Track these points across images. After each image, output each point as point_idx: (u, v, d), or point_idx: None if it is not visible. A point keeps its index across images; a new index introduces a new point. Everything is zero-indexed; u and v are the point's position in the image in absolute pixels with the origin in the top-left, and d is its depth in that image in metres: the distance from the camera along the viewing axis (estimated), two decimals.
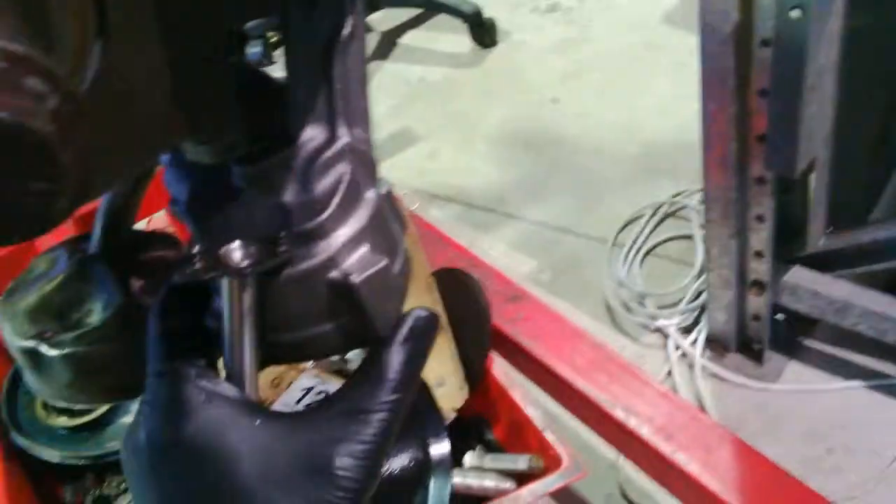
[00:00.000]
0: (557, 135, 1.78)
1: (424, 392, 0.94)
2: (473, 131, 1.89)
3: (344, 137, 0.40)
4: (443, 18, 2.28)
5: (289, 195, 0.38)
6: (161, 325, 0.38)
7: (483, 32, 2.16)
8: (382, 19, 2.42)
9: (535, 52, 2.11)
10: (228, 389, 0.35)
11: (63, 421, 1.00)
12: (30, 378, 0.51)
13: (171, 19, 0.30)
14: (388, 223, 0.43)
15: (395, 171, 1.80)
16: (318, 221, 0.38)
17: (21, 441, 0.97)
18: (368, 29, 2.42)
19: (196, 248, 0.37)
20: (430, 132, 1.94)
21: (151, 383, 0.36)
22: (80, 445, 0.99)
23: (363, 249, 0.40)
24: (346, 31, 0.39)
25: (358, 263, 0.39)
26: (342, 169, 0.39)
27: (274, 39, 0.40)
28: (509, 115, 1.90)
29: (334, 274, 0.38)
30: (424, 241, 1.13)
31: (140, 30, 0.30)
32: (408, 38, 2.36)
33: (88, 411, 1.01)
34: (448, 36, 2.27)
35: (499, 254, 1.52)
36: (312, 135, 0.39)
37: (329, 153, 0.39)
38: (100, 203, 0.54)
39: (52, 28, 0.26)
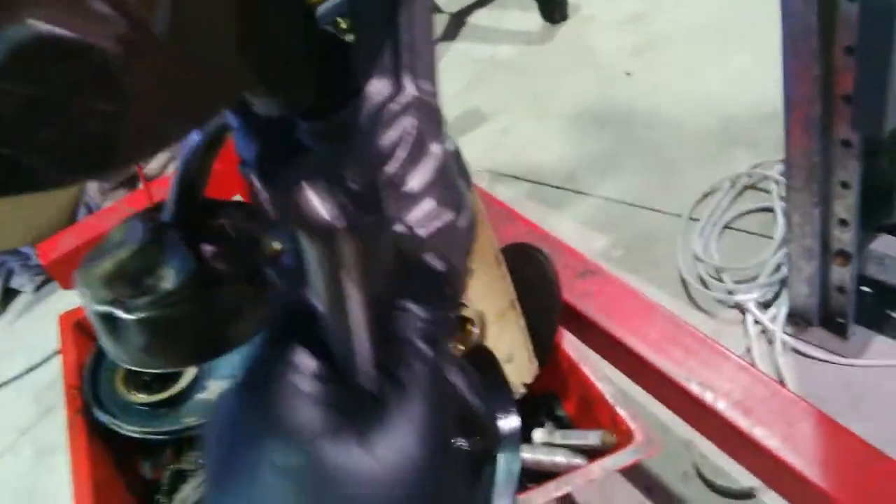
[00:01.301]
0: (631, 109, 1.74)
1: (493, 366, 0.94)
2: (545, 108, 1.87)
3: (410, 90, 0.39)
4: None
5: (355, 149, 0.38)
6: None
7: (553, 8, 2.13)
8: (451, 0, 2.41)
9: (606, 26, 2.06)
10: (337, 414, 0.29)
11: (143, 397, 1.03)
12: (106, 343, 0.52)
13: None
14: (454, 179, 0.42)
15: (466, 150, 1.77)
16: (384, 174, 0.38)
17: (103, 417, 1.00)
18: (437, 10, 2.41)
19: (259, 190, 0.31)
20: (500, 110, 1.92)
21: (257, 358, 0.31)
22: (159, 421, 1.02)
23: (429, 203, 0.39)
24: None
25: (425, 216, 0.39)
26: (408, 122, 0.39)
27: (344, 27, 0.40)
28: (581, 91, 1.86)
29: (400, 227, 0.38)
30: (494, 218, 1.12)
31: None
32: (476, 18, 2.35)
33: (166, 388, 1.04)
34: (517, 14, 2.24)
35: (570, 231, 1.49)
36: (378, 87, 0.39)
37: (395, 106, 0.39)
38: (174, 172, 0.55)
39: None
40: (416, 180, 0.39)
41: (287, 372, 0.30)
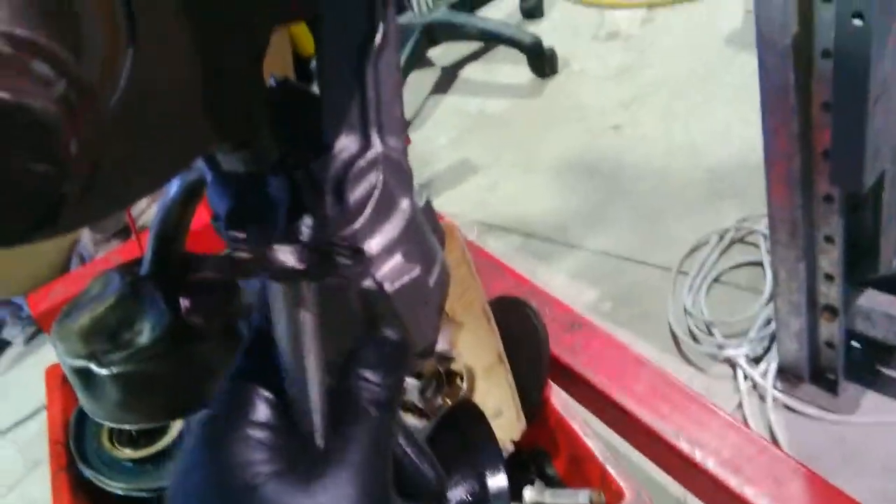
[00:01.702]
0: (619, 162, 1.76)
1: (482, 423, 0.93)
2: (534, 161, 1.89)
3: (377, 146, 0.40)
4: (503, 50, 2.29)
5: (323, 204, 0.38)
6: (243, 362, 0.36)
7: (543, 62, 2.16)
8: (443, 54, 2.45)
9: (595, 80, 2.10)
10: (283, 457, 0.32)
11: (128, 453, 1.02)
12: (82, 397, 0.52)
13: (202, 31, 0.30)
14: (425, 234, 0.42)
15: (454, 203, 1.80)
16: (352, 230, 0.38)
17: (88, 473, 0.99)
18: (429, 64, 2.45)
19: (239, 243, 0.34)
20: (489, 163, 1.94)
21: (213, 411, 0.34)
22: (143, 478, 1.01)
23: (396, 258, 0.39)
24: (377, 39, 0.39)
25: (391, 272, 0.39)
26: (375, 178, 0.39)
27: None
28: (570, 144, 1.88)
29: (367, 283, 0.38)
30: (482, 270, 1.12)
31: (170, 40, 0.30)
32: (467, 72, 2.39)
33: (152, 443, 1.03)
34: (507, 68, 2.28)
35: (559, 284, 1.49)
36: (346, 144, 0.39)
37: (362, 162, 0.39)
38: (151, 226, 0.55)
39: (81, 34, 0.27)
40: (384, 236, 0.39)
41: (242, 419, 0.32)
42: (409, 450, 0.36)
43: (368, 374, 0.34)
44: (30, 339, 1.92)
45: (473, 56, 2.43)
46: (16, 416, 1.70)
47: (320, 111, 0.40)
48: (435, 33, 2.31)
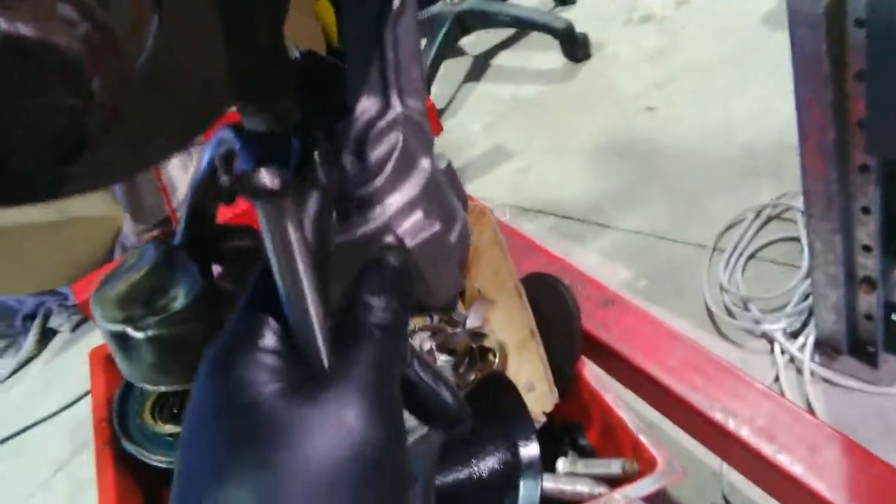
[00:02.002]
0: (653, 143, 1.75)
1: (514, 396, 0.94)
2: (567, 144, 1.88)
3: (397, 107, 0.41)
4: (535, 37, 2.29)
5: (345, 163, 0.40)
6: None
7: (575, 47, 2.15)
8: (475, 43, 2.46)
9: (629, 63, 2.08)
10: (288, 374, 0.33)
11: (169, 428, 1.05)
12: (119, 361, 0.54)
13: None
14: (445, 193, 0.43)
15: (488, 188, 1.81)
16: (373, 187, 0.39)
17: (130, 447, 1.02)
18: (462, 53, 2.46)
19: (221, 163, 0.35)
20: (523, 148, 1.94)
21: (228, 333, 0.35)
22: None
23: (417, 215, 0.40)
24: (396, 3, 0.40)
25: (411, 229, 0.40)
26: (395, 138, 0.40)
27: None
28: (603, 127, 1.87)
29: (389, 238, 0.39)
30: (515, 251, 1.12)
31: (194, 5, 0.32)
32: (500, 59, 2.39)
33: None
34: (540, 54, 2.28)
35: (593, 263, 1.49)
36: (367, 105, 0.41)
37: (383, 123, 0.40)
38: (185, 199, 0.57)
39: None
40: (405, 193, 0.40)
41: (249, 345, 0.33)
42: (424, 375, 0.37)
43: (371, 299, 0.35)
44: (76, 328, 1.98)
45: (506, 44, 2.43)
46: (63, 401, 1.75)
47: (341, 74, 0.41)
48: (467, 22, 2.31)
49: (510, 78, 2.28)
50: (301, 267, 0.34)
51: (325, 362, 0.33)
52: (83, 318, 1.94)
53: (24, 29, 0.20)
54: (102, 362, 1.13)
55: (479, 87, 2.29)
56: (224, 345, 0.34)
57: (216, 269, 0.54)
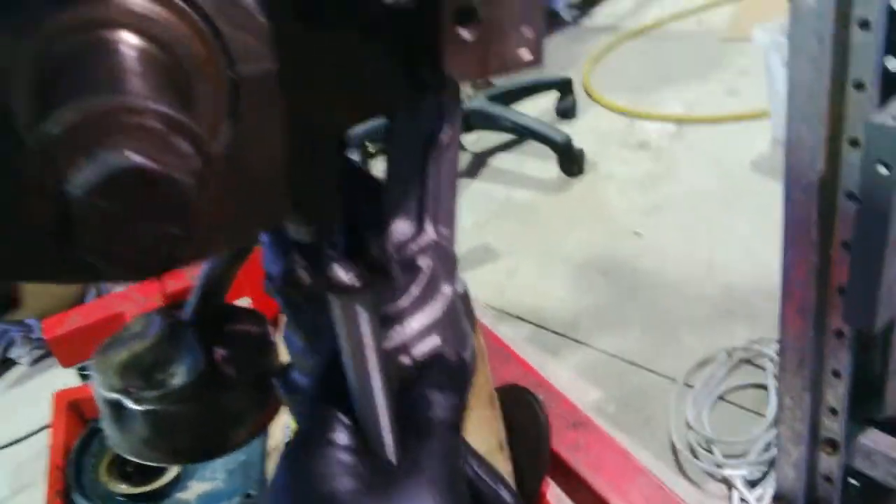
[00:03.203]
0: (636, 268, 1.80)
1: None
2: (553, 254, 1.92)
3: (430, 233, 0.43)
4: (533, 145, 2.37)
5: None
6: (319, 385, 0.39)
7: (571, 161, 2.23)
8: (476, 141, 2.53)
9: (621, 184, 2.15)
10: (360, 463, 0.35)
11: (123, 488, 1.03)
12: (110, 429, 0.54)
13: (293, 114, 0.34)
14: (460, 319, 0.45)
15: (472, 286, 1.82)
16: (397, 308, 0.41)
17: (82, 502, 0.99)
18: (462, 149, 2.53)
19: (296, 262, 0.37)
20: (510, 251, 1.98)
21: (302, 421, 0.37)
22: None
23: (434, 339, 0.42)
24: (443, 138, 0.43)
25: (428, 353, 0.41)
26: (424, 262, 0.42)
27: (372, 150, 0.44)
28: (590, 243, 1.92)
29: (405, 360, 0.41)
30: (492, 356, 1.14)
31: (264, 118, 0.34)
32: (498, 160, 2.46)
33: (149, 481, 1.04)
34: (537, 162, 2.35)
35: (565, 379, 1.51)
36: (401, 227, 0.43)
37: (414, 246, 0.42)
38: (197, 276, 0.58)
39: (194, 104, 0.31)
40: (426, 316, 0.42)
41: (324, 442, 0.35)
42: (481, 472, 0.38)
43: (434, 395, 0.37)
44: (36, 362, 1.93)
45: (505, 146, 2.51)
46: (11, 436, 1.70)
47: (379, 192, 0.44)
48: (471, 121, 2.39)
49: (506, 180, 2.34)
50: (372, 364, 0.35)
51: (393, 458, 0.35)
52: (45, 353, 1.91)
53: (149, 162, 0.22)
54: (66, 406, 1.12)
55: (475, 185, 2.35)
56: (301, 438, 0.36)
57: (219, 350, 0.55)
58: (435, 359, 0.39)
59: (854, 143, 0.83)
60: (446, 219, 0.44)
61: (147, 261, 0.24)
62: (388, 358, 0.39)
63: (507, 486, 0.39)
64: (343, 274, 0.35)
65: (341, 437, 0.35)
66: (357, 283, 0.35)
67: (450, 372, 0.39)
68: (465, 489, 0.35)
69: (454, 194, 0.45)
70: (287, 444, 0.36)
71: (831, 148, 0.86)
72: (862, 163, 0.79)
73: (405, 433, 0.36)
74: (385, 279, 0.36)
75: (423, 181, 0.43)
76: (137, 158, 0.22)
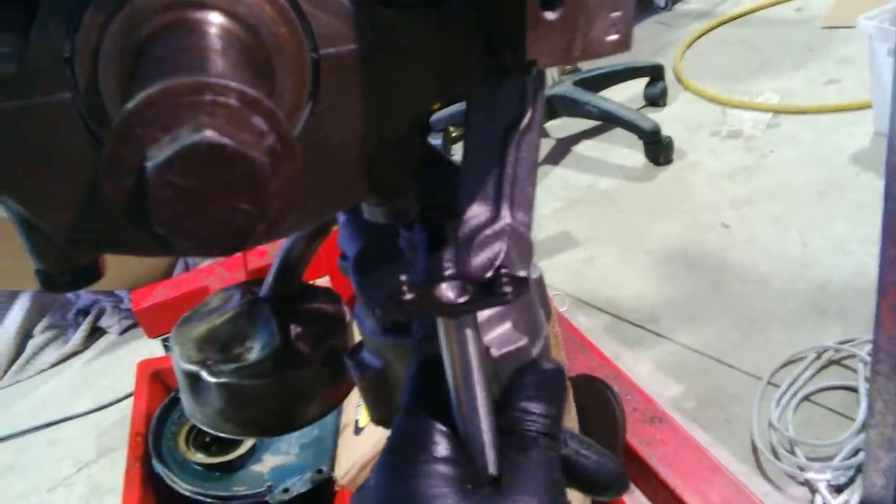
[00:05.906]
0: (723, 260, 1.74)
1: None
2: (635, 244, 1.88)
3: (506, 218, 0.42)
4: (619, 132, 2.31)
5: (446, 264, 0.41)
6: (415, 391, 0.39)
7: (658, 150, 2.17)
8: (560, 127, 2.49)
9: (710, 175, 2.08)
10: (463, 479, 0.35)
11: (200, 457, 1.06)
12: (186, 400, 0.55)
13: (371, 96, 0.34)
14: (534, 307, 0.44)
15: (550, 273, 1.81)
16: None
17: (160, 469, 1.03)
18: (545, 135, 2.50)
19: (404, 279, 0.36)
20: (590, 239, 1.95)
21: (397, 432, 0.37)
22: (211, 484, 1.04)
23: (506, 326, 0.41)
24: (524, 123, 0.42)
25: (498, 339, 0.41)
26: (499, 247, 0.42)
27: (454, 134, 0.44)
28: (674, 234, 1.87)
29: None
30: (569, 346, 1.12)
31: (344, 100, 0.34)
32: (582, 147, 2.41)
33: (225, 452, 1.07)
34: (622, 150, 2.29)
35: (643, 372, 1.47)
36: (477, 212, 0.42)
37: (489, 231, 0.42)
38: (277, 254, 0.59)
39: (274, 83, 0.31)
40: None
41: (426, 454, 0.35)
42: (584, 451, 0.38)
43: (530, 405, 0.37)
44: (124, 331, 2.02)
45: (590, 133, 2.46)
46: (97, 402, 1.78)
47: (456, 176, 0.43)
48: (556, 106, 2.35)
49: (588, 168, 2.29)
50: (477, 379, 0.35)
51: (494, 469, 0.35)
52: (133, 324, 1.99)
53: (225, 139, 0.22)
54: (149, 376, 1.16)
55: (556, 171, 2.32)
56: (398, 449, 0.36)
57: (294, 328, 0.56)
58: (529, 366, 0.39)
59: None
60: (524, 204, 0.43)
61: (219, 236, 0.24)
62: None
63: (608, 456, 0.39)
64: (451, 293, 0.35)
65: (441, 448, 0.35)
66: (462, 301, 0.34)
67: (546, 380, 0.38)
68: (566, 499, 0.35)
69: (533, 180, 0.44)
70: (384, 453, 0.36)
71: None
72: None
73: (504, 444, 0.36)
74: (492, 296, 0.36)
75: (501, 165, 0.42)
76: (213, 135, 0.22)
